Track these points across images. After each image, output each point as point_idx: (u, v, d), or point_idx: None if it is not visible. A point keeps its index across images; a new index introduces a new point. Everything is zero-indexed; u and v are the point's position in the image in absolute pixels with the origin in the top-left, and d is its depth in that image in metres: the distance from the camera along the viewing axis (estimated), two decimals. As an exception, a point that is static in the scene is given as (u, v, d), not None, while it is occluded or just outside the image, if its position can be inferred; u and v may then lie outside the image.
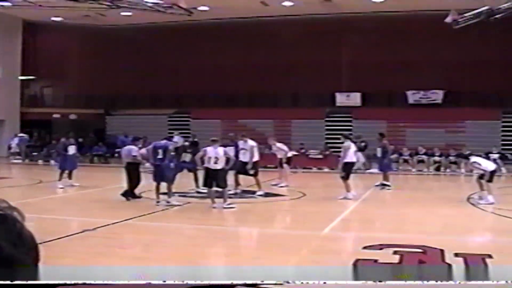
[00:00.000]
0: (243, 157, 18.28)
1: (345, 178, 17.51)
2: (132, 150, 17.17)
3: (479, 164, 17.12)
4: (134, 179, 16.77)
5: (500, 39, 32.45)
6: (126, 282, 1.34)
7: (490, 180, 16.49)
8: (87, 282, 1.27)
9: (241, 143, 18.50)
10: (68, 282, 1.22)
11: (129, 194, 16.56)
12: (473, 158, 18.04)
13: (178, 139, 22.66)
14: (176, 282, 1.37)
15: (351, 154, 17.86)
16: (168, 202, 15.51)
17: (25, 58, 40.56)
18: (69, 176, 20.19)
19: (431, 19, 31.62)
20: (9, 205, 1.24)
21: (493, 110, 32.48)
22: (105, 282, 1.30)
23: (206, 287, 1.38)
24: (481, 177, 16.72)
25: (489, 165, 17.06)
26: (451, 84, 34.59)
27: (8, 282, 1.14)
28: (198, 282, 1.36)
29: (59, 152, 21.08)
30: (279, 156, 21.86)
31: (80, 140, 33.30)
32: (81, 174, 21.49)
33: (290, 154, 22.33)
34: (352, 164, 18.06)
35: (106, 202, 16.85)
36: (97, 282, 1.28)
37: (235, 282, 1.35)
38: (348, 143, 18.02)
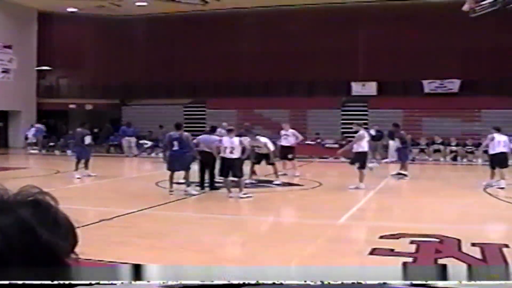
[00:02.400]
0: (259, 150, 18.44)
1: (361, 167, 17.42)
2: (215, 140, 16.65)
3: (492, 140, 17.36)
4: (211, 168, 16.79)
5: (517, 27, 32.13)
6: (133, 283, 1.32)
7: (504, 165, 16.80)
8: (101, 282, 1.23)
9: (252, 141, 18.26)
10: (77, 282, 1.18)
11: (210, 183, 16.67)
12: (494, 134, 17.98)
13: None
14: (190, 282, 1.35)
15: (364, 143, 17.73)
16: (185, 191, 15.57)
17: (41, 49, 40.72)
18: (86, 166, 20.22)
19: (448, 7, 31.35)
20: (40, 190, 1.20)
21: (510, 98, 32.16)
22: (113, 282, 1.27)
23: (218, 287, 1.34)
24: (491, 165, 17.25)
25: (497, 148, 17.34)
26: (467, 73, 34.35)
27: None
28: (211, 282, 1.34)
29: (77, 141, 21.07)
30: (287, 143, 21.57)
31: (96, 130, 33.38)
32: (97, 164, 21.57)
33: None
34: (365, 153, 17.89)
35: (122, 192, 16.93)
36: (106, 282, 1.24)
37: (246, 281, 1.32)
38: (362, 132, 17.95)
